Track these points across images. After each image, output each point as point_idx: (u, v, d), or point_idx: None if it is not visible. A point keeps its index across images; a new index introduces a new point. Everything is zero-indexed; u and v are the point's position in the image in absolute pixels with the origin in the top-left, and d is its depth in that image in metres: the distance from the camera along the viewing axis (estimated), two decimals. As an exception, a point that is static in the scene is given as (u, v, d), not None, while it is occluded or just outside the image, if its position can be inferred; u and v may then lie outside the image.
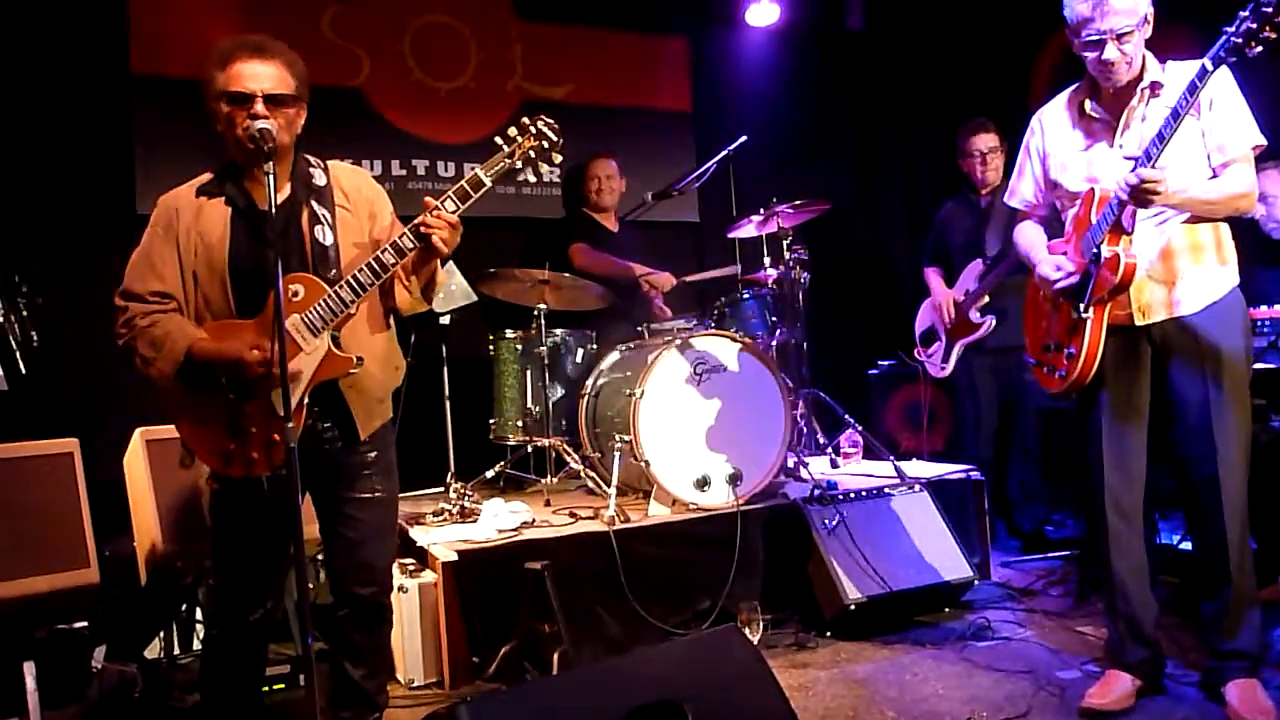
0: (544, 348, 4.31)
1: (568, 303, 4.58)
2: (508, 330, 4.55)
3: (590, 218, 5.13)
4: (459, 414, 4.55)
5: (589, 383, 4.28)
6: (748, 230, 4.59)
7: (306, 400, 2.32)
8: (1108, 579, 2.80)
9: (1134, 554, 2.77)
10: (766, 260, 4.54)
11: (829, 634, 3.51)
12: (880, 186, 6.61)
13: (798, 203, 4.36)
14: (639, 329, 4.40)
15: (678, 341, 3.83)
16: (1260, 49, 2.21)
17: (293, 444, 2.09)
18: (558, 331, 4.51)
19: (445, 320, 4.44)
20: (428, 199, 2.31)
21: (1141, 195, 2.43)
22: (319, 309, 2.30)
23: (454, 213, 2.31)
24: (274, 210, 2.16)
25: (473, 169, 2.36)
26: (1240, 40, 2.22)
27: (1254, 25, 2.18)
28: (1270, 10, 2.15)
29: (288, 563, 2.49)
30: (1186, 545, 3.53)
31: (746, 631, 3.30)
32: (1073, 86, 2.80)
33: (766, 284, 4.47)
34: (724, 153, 4.74)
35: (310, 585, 3.33)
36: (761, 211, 4.42)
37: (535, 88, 5.52)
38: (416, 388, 4.37)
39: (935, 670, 3.14)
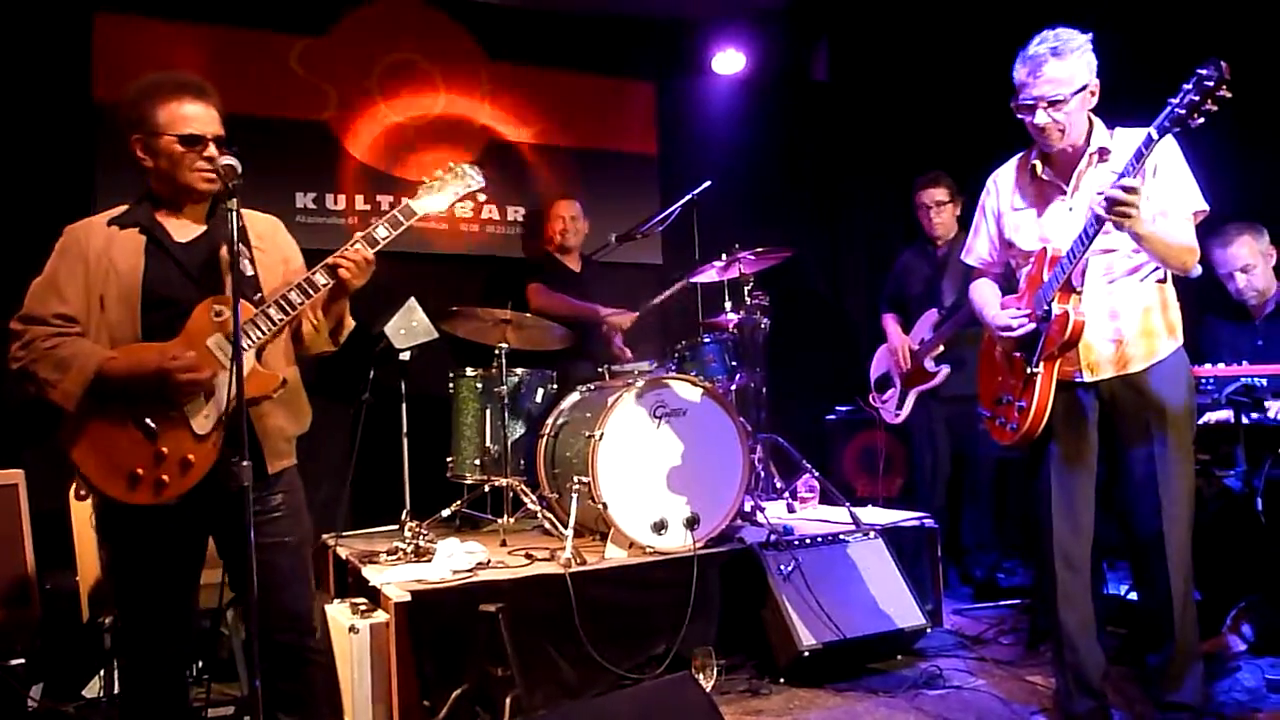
0: (504, 387, 4.32)
1: (529, 342, 4.59)
2: (468, 368, 4.54)
3: (551, 258, 5.17)
4: (417, 451, 4.52)
5: (548, 423, 4.28)
6: (710, 275, 4.63)
7: (225, 420, 2.28)
8: (1055, 630, 2.84)
9: (1081, 605, 2.80)
10: (728, 304, 4.57)
11: (783, 680, 3.51)
12: (842, 234, 6.71)
13: (760, 250, 4.41)
14: (600, 370, 4.42)
15: (638, 384, 3.84)
16: (1202, 120, 2.29)
17: (246, 464, 2.08)
18: (518, 371, 4.51)
19: (406, 356, 4.44)
20: (356, 238, 2.40)
21: (1120, 208, 2.40)
22: (247, 327, 2.29)
23: (385, 239, 2.40)
24: (236, 240, 2.16)
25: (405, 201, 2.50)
26: (1184, 111, 2.30)
27: (1196, 98, 2.27)
28: (1211, 84, 2.24)
29: (194, 599, 2.43)
30: (1134, 596, 3.59)
31: (700, 677, 3.30)
32: (1024, 151, 2.88)
33: (727, 328, 4.50)
34: (688, 197, 4.78)
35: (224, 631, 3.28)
36: (724, 257, 4.46)
37: (503, 128, 5.56)
38: (375, 424, 4.36)
39: (888, 719, 3.14)
